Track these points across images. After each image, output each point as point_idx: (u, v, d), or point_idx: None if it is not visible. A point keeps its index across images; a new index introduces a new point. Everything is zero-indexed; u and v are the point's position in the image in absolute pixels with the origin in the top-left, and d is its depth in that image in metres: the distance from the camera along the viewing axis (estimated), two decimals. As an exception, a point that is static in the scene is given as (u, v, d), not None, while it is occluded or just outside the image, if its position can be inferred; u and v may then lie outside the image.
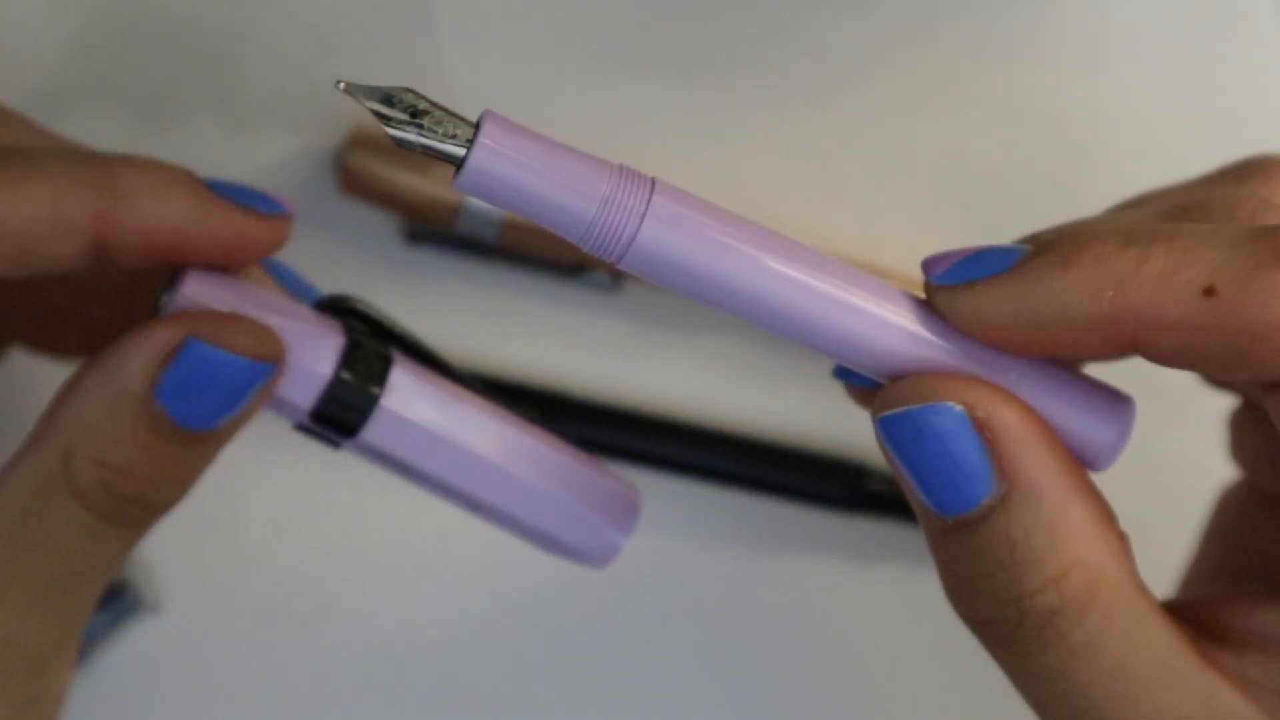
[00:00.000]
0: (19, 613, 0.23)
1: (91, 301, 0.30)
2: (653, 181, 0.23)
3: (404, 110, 0.22)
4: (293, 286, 0.27)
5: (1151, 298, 0.21)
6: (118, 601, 0.37)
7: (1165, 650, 0.22)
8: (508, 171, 0.22)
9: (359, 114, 0.36)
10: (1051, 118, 0.37)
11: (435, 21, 0.36)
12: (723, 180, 0.37)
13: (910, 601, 0.39)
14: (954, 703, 0.40)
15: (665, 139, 0.37)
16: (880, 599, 0.39)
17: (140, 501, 0.24)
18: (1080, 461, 0.23)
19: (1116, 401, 0.24)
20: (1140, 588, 0.23)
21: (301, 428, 0.26)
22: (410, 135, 0.22)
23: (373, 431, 0.26)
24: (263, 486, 0.38)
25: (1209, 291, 0.21)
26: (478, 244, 0.36)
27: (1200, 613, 0.24)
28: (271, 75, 0.36)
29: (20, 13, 0.35)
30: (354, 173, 0.35)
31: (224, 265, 0.25)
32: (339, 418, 0.26)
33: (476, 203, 0.35)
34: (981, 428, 0.22)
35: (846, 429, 0.38)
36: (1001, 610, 0.22)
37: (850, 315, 0.23)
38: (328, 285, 0.37)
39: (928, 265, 0.23)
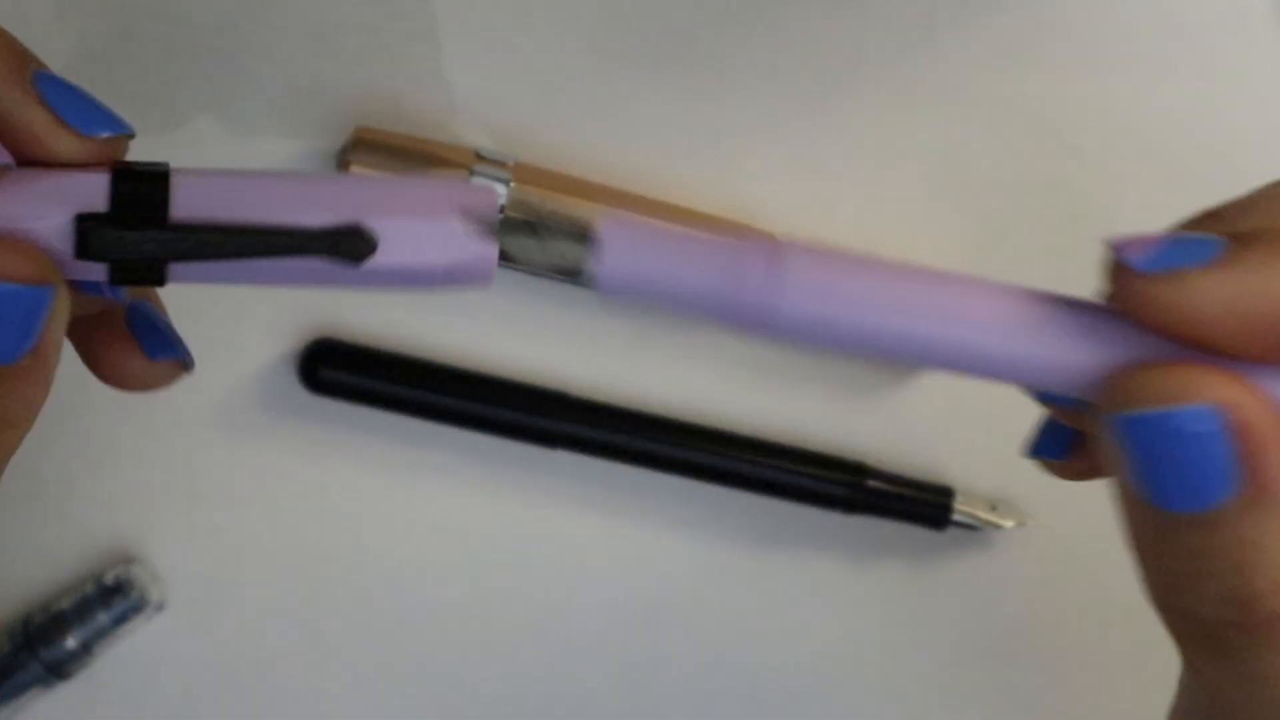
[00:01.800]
0: None
1: None
2: (778, 247, 0.22)
3: (529, 239, 0.22)
4: (86, 122, 0.25)
5: None
6: (122, 599, 0.37)
7: None
8: (638, 270, 0.22)
9: (360, 114, 0.36)
10: (1050, 118, 0.37)
11: (435, 21, 0.36)
12: (722, 181, 0.37)
13: (910, 601, 0.39)
14: (954, 703, 0.40)
15: (665, 140, 0.37)
16: (880, 599, 0.39)
17: None
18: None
19: None
20: None
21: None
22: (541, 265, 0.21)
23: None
24: (263, 484, 0.38)
25: None
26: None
27: None
28: (273, 76, 0.36)
29: (21, 13, 0.35)
30: (355, 173, 0.35)
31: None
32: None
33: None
34: (1236, 429, 0.21)
35: (846, 429, 0.38)
36: (1222, 610, 0.21)
37: (1033, 342, 0.22)
38: (329, 292, 0.37)
39: (1122, 248, 0.22)
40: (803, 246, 0.22)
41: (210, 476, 0.38)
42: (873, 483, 0.38)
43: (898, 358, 0.22)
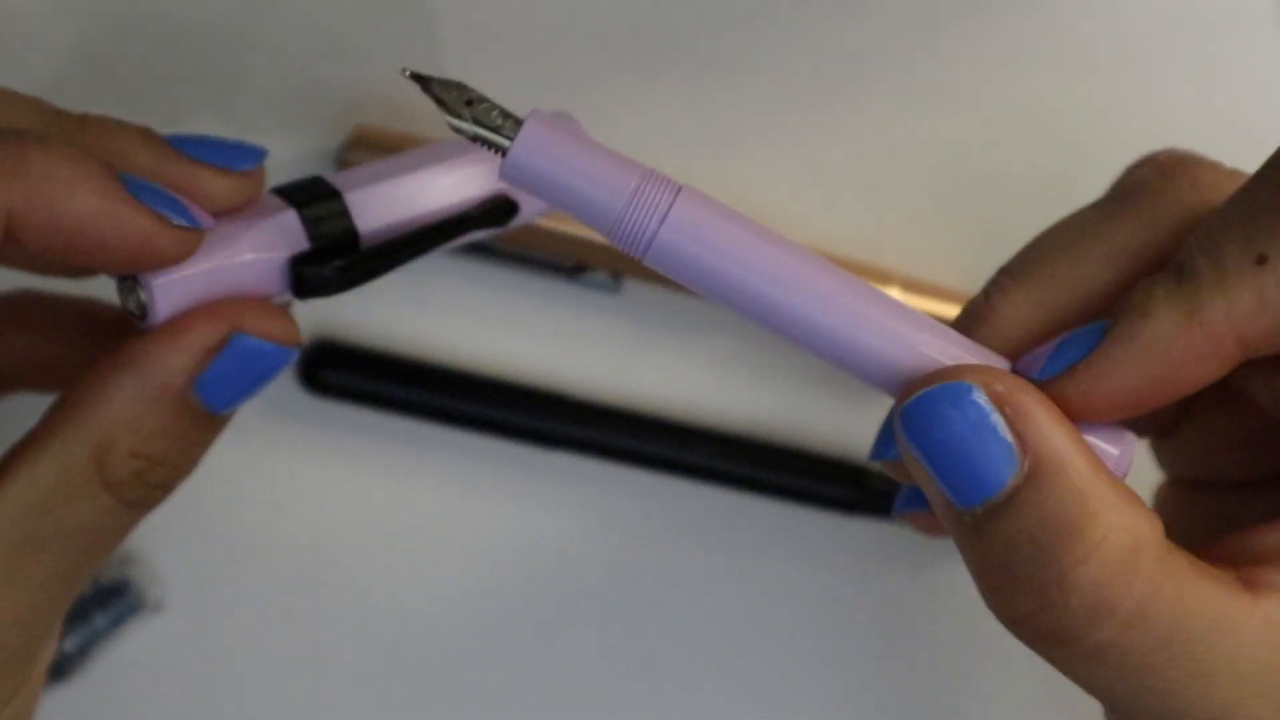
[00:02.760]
0: (35, 598, 0.24)
1: (38, 344, 0.30)
2: (679, 188, 0.24)
3: (459, 100, 0.25)
4: (222, 159, 0.27)
5: (1222, 292, 0.22)
6: (119, 601, 0.37)
7: (1217, 599, 0.22)
8: (544, 167, 0.24)
9: (359, 114, 0.36)
10: (1051, 118, 0.37)
11: (435, 22, 0.36)
12: (723, 181, 0.37)
13: (910, 601, 0.39)
14: (954, 702, 0.40)
15: (666, 140, 0.37)
16: (880, 599, 0.39)
17: (165, 485, 0.25)
18: None
19: (1119, 430, 0.24)
20: (1176, 549, 0.22)
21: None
22: (466, 125, 0.24)
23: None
24: (263, 485, 0.38)
25: (1262, 260, 0.21)
26: (478, 244, 0.36)
27: (1225, 555, 0.24)
28: (272, 75, 0.36)
29: (21, 13, 0.35)
30: (355, 173, 0.35)
31: (129, 269, 0.25)
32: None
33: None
34: (1000, 402, 0.22)
35: (846, 429, 0.38)
36: (1046, 597, 0.22)
37: (861, 330, 0.24)
38: (328, 300, 0.37)
39: (1025, 368, 0.23)
40: (699, 193, 0.24)
41: (210, 477, 0.38)
42: (873, 484, 0.38)
43: (742, 312, 0.24)
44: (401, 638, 0.39)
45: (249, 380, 0.25)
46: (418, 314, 0.38)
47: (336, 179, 0.27)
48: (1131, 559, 0.22)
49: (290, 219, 0.26)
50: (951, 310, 0.35)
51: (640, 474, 0.38)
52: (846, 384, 0.38)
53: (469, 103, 0.24)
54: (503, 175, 0.24)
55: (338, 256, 0.26)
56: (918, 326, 0.24)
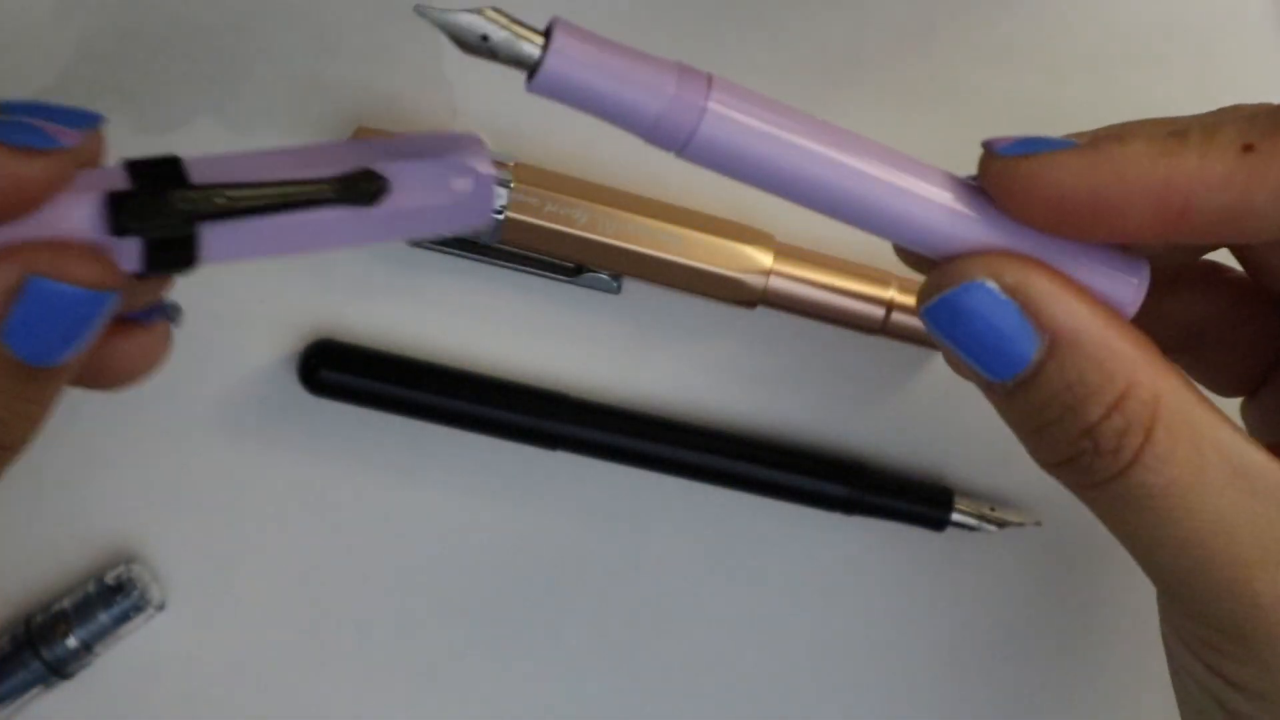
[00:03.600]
0: None
1: None
2: (709, 79, 0.24)
3: (475, 34, 0.23)
4: (62, 120, 0.25)
5: (1199, 160, 0.23)
6: (123, 599, 0.37)
7: (1237, 451, 0.24)
8: (578, 74, 0.24)
9: (360, 114, 0.36)
10: (1051, 118, 0.37)
11: (436, 22, 0.36)
12: (723, 181, 0.37)
13: (910, 601, 0.39)
14: (954, 702, 0.40)
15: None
16: (880, 600, 0.39)
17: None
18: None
19: (1133, 259, 0.25)
20: (1203, 400, 0.24)
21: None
22: (493, 26, 0.23)
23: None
24: (266, 485, 0.38)
25: (1248, 148, 0.23)
26: (478, 244, 0.36)
27: None
28: (272, 76, 0.36)
29: (22, 13, 0.35)
30: (355, 173, 0.35)
31: (10, 214, 0.23)
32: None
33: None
34: (1013, 292, 0.24)
35: (846, 429, 0.38)
36: (1077, 445, 0.24)
37: (897, 199, 0.24)
38: (329, 294, 0.37)
39: (991, 142, 0.25)
40: (731, 84, 0.24)
41: (210, 477, 0.38)
42: (872, 484, 0.38)
43: (787, 195, 0.25)
44: (400, 635, 0.39)
45: (60, 328, 0.23)
46: (417, 314, 0.38)
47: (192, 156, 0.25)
48: (1151, 409, 0.24)
49: (115, 168, 0.24)
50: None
51: (640, 474, 0.38)
52: (847, 384, 0.38)
53: (484, 36, 0.23)
54: (534, 87, 0.24)
55: (161, 188, 0.24)
56: (952, 196, 0.24)
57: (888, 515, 0.38)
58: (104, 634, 0.37)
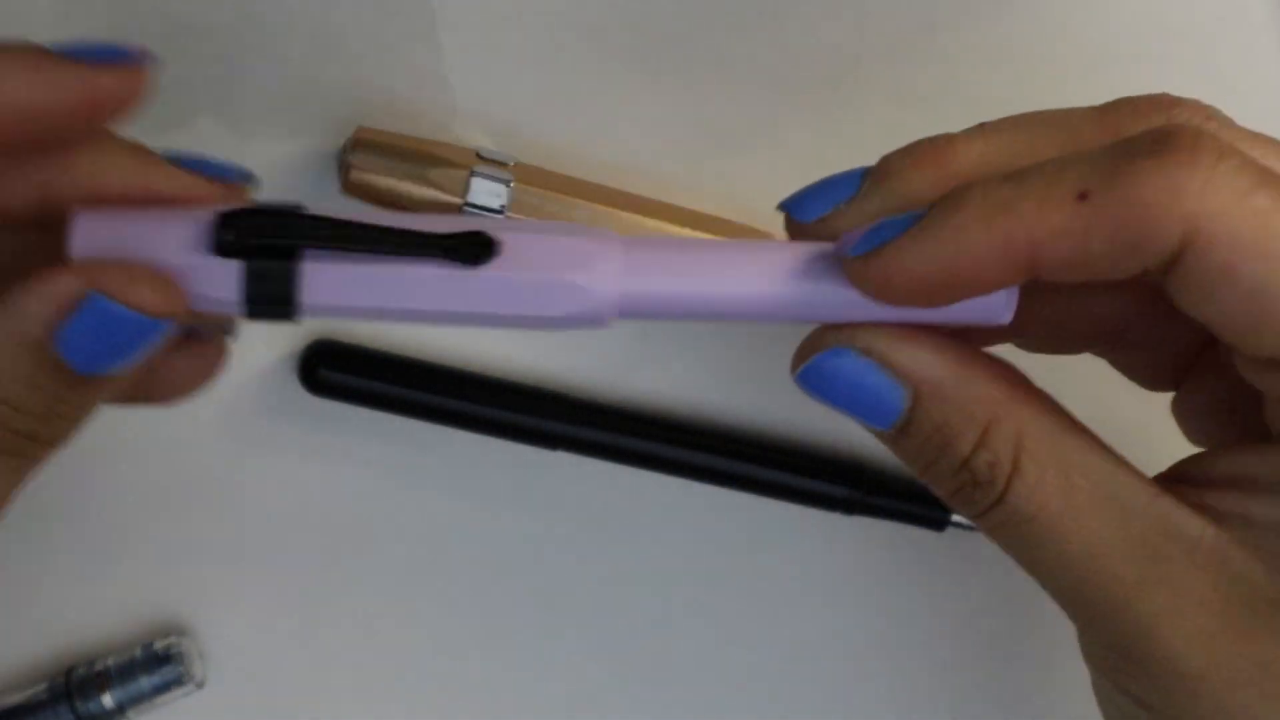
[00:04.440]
0: None
1: None
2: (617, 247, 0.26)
3: None
4: (211, 171, 0.26)
5: (1037, 213, 0.23)
6: (167, 670, 0.36)
7: (1107, 475, 0.25)
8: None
9: (361, 115, 0.36)
10: (1051, 118, 0.37)
11: (436, 22, 0.36)
12: (722, 181, 0.37)
13: (910, 601, 0.39)
14: (954, 702, 0.40)
15: (665, 140, 0.37)
16: (880, 600, 0.39)
17: (33, 436, 0.24)
18: (983, 333, 0.27)
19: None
20: (1072, 427, 0.26)
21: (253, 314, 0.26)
22: None
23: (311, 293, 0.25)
24: (265, 485, 0.38)
25: (1083, 196, 0.23)
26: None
27: (1172, 475, 0.27)
28: (273, 77, 0.36)
29: (22, 13, 0.35)
30: (356, 174, 0.35)
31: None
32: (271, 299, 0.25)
33: (477, 203, 0.35)
34: (868, 354, 0.26)
35: (846, 429, 0.38)
36: (959, 479, 0.26)
37: (756, 300, 0.26)
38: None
39: (841, 244, 0.26)
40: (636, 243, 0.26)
41: (210, 477, 0.38)
42: (872, 483, 0.38)
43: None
44: (400, 635, 0.39)
45: (112, 345, 0.24)
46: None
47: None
48: (1015, 442, 0.25)
49: (235, 204, 0.25)
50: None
51: (640, 474, 0.38)
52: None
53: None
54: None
55: (271, 219, 0.25)
56: (804, 281, 0.26)
57: (888, 515, 0.38)
58: (140, 699, 0.36)
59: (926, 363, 0.25)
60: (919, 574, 0.39)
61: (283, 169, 0.36)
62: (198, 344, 0.28)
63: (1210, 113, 0.28)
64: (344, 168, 0.35)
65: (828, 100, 0.37)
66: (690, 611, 0.39)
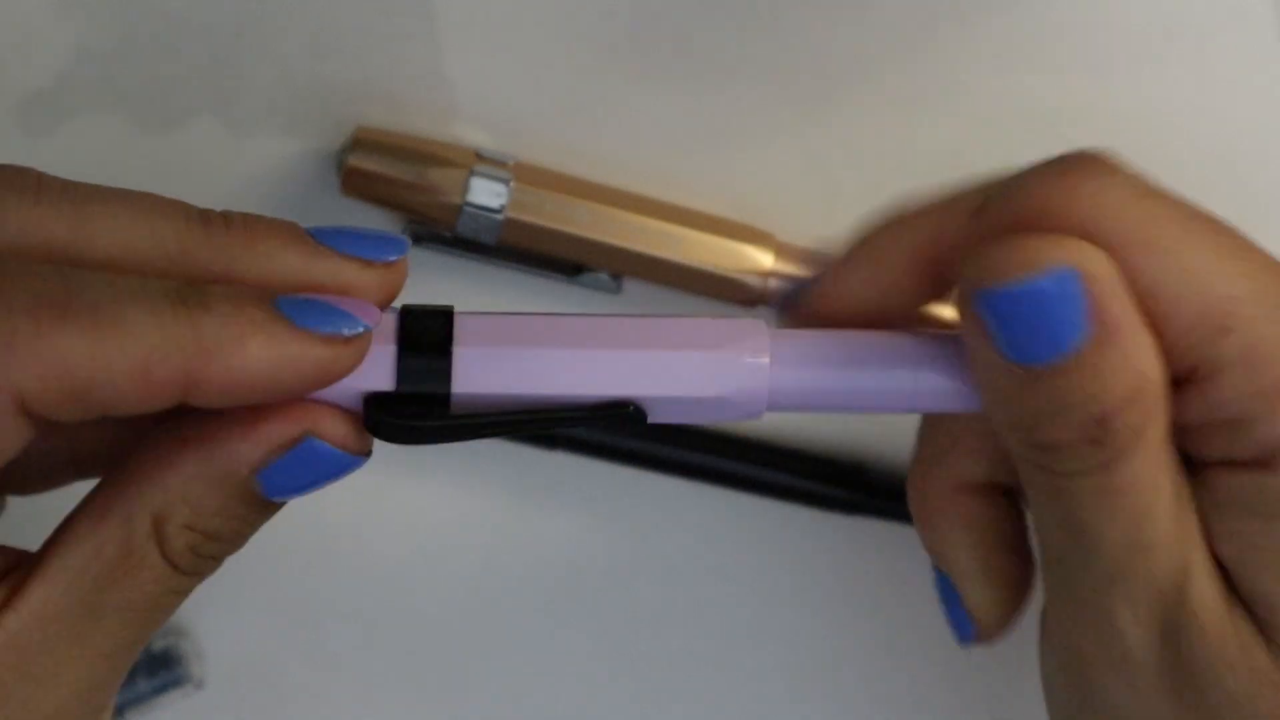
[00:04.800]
0: (96, 667, 0.24)
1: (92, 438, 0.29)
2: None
3: None
4: (369, 251, 0.26)
5: (938, 225, 0.27)
6: (165, 671, 0.36)
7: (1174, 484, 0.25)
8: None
9: (360, 114, 0.36)
10: (1051, 119, 0.37)
11: (435, 22, 0.36)
12: (722, 181, 0.37)
13: (910, 601, 0.39)
14: (953, 702, 0.40)
15: (665, 140, 0.37)
16: (880, 600, 0.39)
17: (218, 556, 0.26)
18: None
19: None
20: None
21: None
22: None
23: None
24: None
25: (982, 209, 0.26)
26: (478, 244, 0.36)
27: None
28: (272, 76, 0.36)
29: (21, 13, 0.35)
30: (355, 173, 0.35)
31: (309, 393, 0.25)
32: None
33: (477, 203, 0.35)
34: (1090, 281, 0.23)
35: (847, 429, 0.38)
36: (1084, 432, 0.24)
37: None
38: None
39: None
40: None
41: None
42: (873, 484, 0.38)
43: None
44: (400, 636, 0.39)
45: (311, 479, 0.25)
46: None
47: (465, 323, 0.26)
48: (1154, 409, 0.24)
49: (386, 354, 0.25)
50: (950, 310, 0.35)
51: (640, 473, 0.38)
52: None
53: None
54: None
55: (419, 407, 0.26)
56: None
57: (889, 516, 0.38)
58: (139, 701, 0.37)
59: (1128, 307, 0.24)
60: (919, 574, 0.39)
61: (282, 169, 0.36)
62: None
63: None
64: (343, 168, 0.35)
65: (828, 100, 0.37)
66: (690, 612, 0.39)
